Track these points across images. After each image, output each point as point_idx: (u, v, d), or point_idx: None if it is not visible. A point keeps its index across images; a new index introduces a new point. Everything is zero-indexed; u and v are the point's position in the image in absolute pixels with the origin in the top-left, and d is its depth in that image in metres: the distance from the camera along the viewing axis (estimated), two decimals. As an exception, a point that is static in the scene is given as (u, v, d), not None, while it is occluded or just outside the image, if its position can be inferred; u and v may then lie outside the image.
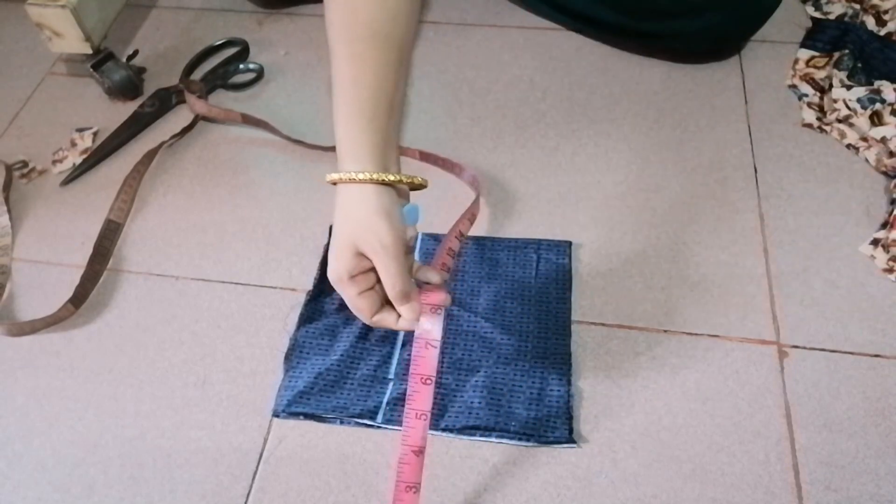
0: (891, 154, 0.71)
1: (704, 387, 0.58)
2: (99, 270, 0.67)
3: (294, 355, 0.61)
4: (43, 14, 0.76)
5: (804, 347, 0.60)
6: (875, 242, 0.65)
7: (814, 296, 0.63)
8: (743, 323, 0.61)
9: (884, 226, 0.66)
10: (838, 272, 0.64)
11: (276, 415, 0.58)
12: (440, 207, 0.68)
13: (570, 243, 0.67)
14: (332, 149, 0.75)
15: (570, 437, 0.55)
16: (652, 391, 0.58)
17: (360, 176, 0.46)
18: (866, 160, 0.72)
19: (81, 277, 0.66)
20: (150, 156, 0.76)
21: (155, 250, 0.70)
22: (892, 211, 0.66)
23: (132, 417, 0.59)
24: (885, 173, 0.70)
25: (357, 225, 0.46)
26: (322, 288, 0.64)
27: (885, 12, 0.83)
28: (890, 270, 0.63)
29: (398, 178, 0.47)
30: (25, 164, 0.78)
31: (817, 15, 0.86)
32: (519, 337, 0.60)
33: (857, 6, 0.85)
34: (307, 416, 0.57)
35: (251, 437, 0.57)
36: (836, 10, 0.85)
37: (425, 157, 0.75)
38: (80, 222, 0.72)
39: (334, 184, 0.48)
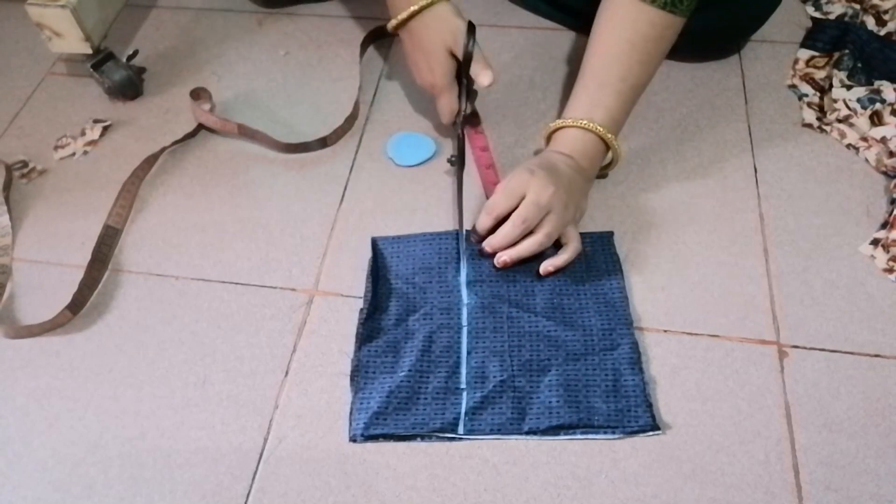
0: (891, 154, 0.71)
1: (704, 387, 0.58)
2: (97, 277, 0.67)
3: (360, 376, 0.59)
4: (43, 14, 0.76)
5: (804, 347, 0.60)
6: (875, 242, 0.65)
7: (814, 296, 0.63)
8: (743, 323, 0.61)
9: (884, 226, 0.66)
10: (838, 272, 0.64)
11: (353, 439, 0.56)
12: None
13: (612, 233, 0.67)
14: (330, 143, 0.76)
15: (654, 424, 0.55)
16: (652, 391, 0.58)
17: (418, 5, 0.67)
18: (866, 160, 0.72)
19: (80, 284, 0.66)
20: (150, 161, 0.75)
21: (155, 250, 0.70)
22: (892, 211, 0.66)
23: (132, 417, 0.59)
24: (885, 173, 0.70)
25: (447, 32, 0.68)
26: (376, 304, 0.63)
27: (885, 12, 0.83)
28: (890, 270, 0.63)
29: None
30: (25, 164, 0.78)
31: (817, 15, 0.86)
32: (583, 332, 0.60)
33: (857, 6, 0.85)
34: (386, 437, 0.56)
35: (251, 437, 0.57)
36: (836, 10, 0.85)
37: None
38: (80, 222, 0.72)
39: (405, 21, 0.69)
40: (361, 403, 0.58)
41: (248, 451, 0.57)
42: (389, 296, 0.64)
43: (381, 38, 0.88)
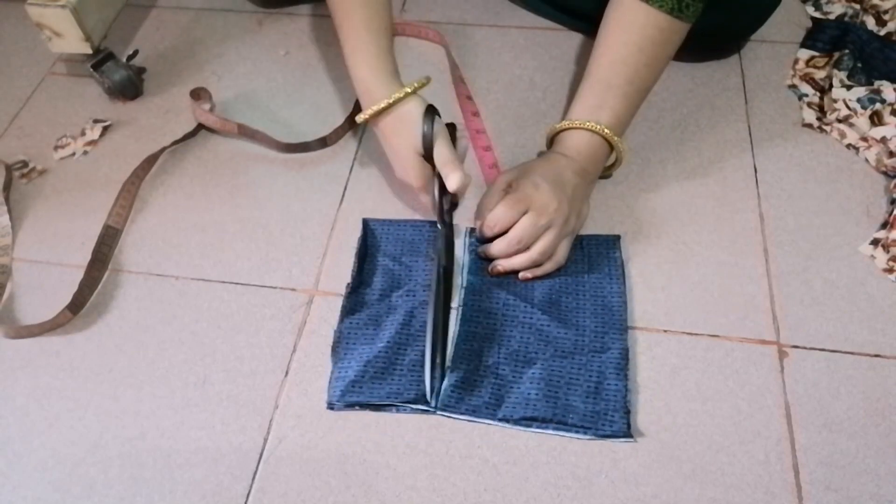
0: (891, 154, 0.71)
1: (704, 387, 0.58)
2: (97, 277, 0.67)
3: (340, 347, 0.61)
4: (43, 14, 0.76)
5: (804, 347, 0.60)
6: (875, 242, 0.65)
7: (814, 296, 0.63)
8: (743, 323, 0.61)
9: (884, 226, 0.66)
10: (838, 272, 0.64)
11: (330, 406, 0.58)
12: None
13: (619, 237, 0.67)
14: (330, 142, 0.76)
15: (627, 431, 0.55)
16: (652, 391, 0.58)
17: (395, 96, 0.61)
18: (866, 160, 0.72)
19: (80, 284, 0.66)
20: (150, 161, 0.75)
21: (155, 250, 0.70)
22: (892, 211, 0.66)
23: (132, 417, 0.59)
24: (885, 173, 0.70)
25: (413, 135, 0.62)
26: (362, 279, 0.65)
27: (885, 12, 0.83)
28: (890, 270, 0.63)
29: (417, 85, 0.63)
30: (25, 164, 0.78)
31: (817, 15, 0.86)
32: (576, 331, 0.61)
33: (857, 6, 0.85)
34: (362, 406, 0.57)
35: (251, 437, 0.57)
36: (836, 10, 0.85)
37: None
38: (80, 222, 0.72)
39: (371, 117, 0.63)
40: (339, 372, 0.59)
41: (248, 451, 0.57)
42: (375, 272, 0.65)
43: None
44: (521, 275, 0.63)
